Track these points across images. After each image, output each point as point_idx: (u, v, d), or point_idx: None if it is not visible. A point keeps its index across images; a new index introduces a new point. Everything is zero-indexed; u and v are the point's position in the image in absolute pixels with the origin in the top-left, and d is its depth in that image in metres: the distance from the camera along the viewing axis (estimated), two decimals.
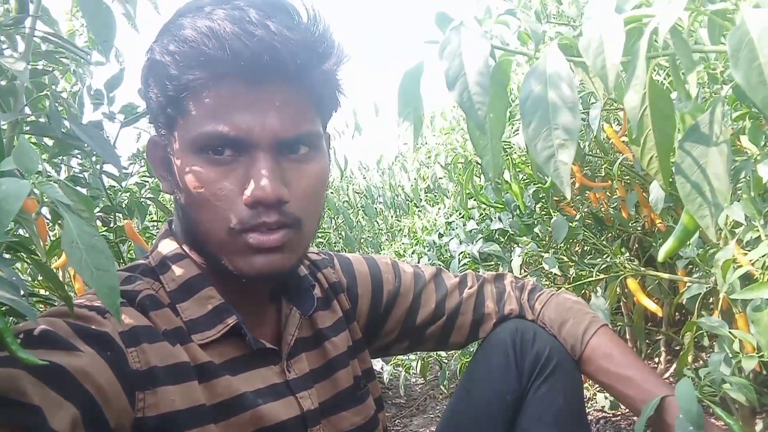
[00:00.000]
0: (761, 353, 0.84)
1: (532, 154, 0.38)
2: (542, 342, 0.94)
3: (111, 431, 0.63)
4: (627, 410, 1.72)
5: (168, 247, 0.78)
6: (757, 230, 0.80)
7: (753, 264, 0.80)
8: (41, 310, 1.01)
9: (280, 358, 0.80)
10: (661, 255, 0.57)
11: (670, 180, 0.43)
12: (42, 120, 0.89)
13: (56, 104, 0.89)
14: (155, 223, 1.68)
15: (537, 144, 0.38)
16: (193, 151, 0.70)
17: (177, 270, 0.76)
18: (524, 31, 0.41)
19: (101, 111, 1.06)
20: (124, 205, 1.16)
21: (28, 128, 0.89)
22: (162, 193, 1.46)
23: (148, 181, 1.36)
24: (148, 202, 1.27)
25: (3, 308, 0.57)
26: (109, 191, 1.11)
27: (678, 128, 0.42)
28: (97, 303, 0.68)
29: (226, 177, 0.69)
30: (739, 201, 0.83)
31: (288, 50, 0.67)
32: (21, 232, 0.94)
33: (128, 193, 1.19)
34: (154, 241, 0.84)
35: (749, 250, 0.84)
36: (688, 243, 1.09)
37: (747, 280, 0.90)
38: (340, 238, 2.91)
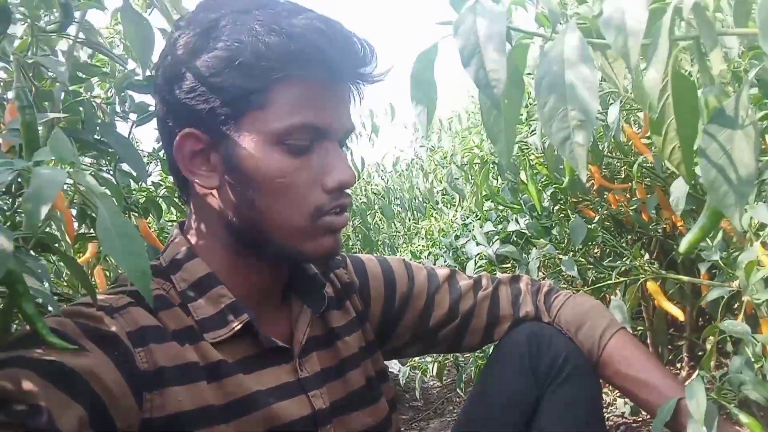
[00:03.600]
0: None
1: (547, 135, 0.36)
2: (559, 345, 0.92)
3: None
4: (648, 416, 1.69)
5: (179, 247, 0.79)
6: None
7: None
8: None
9: (292, 356, 0.80)
10: (683, 246, 0.55)
11: (693, 173, 0.41)
12: (77, 125, 0.91)
13: (91, 111, 0.91)
14: (173, 223, 1.68)
15: (552, 125, 0.36)
16: (273, 142, 0.72)
17: (188, 269, 0.77)
18: (542, 12, 0.39)
19: (114, 110, 1.07)
20: (139, 205, 1.17)
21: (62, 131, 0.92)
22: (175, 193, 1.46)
23: (165, 181, 1.37)
24: (168, 201, 1.28)
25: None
26: (123, 190, 1.12)
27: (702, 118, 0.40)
28: (106, 303, 0.68)
29: (305, 166, 0.73)
30: (764, 202, 0.80)
31: (353, 49, 0.73)
32: (48, 230, 0.96)
33: (144, 192, 1.20)
34: (165, 242, 0.84)
35: None
36: (711, 245, 1.06)
37: None
38: (357, 239, 2.90)
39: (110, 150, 0.94)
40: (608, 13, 0.35)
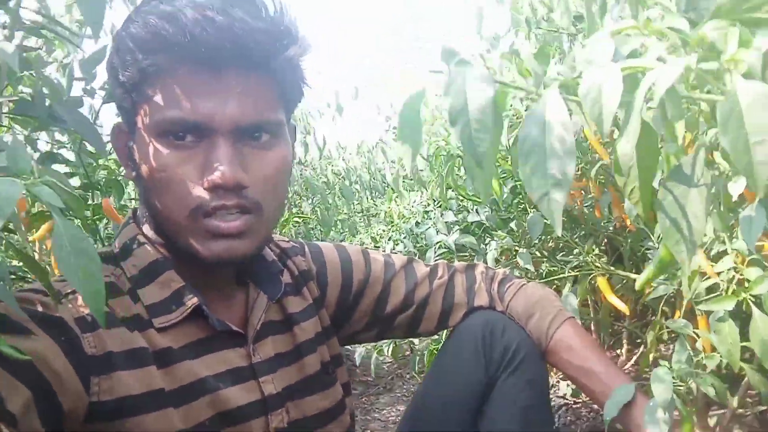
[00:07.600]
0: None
1: (527, 189, 0.40)
2: (511, 334, 0.96)
3: (63, 414, 0.63)
4: (587, 398, 1.79)
5: (130, 234, 0.79)
6: (724, 243, 0.84)
7: (719, 275, 0.84)
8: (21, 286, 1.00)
9: (246, 341, 0.81)
10: (638, 284, 0.60)
11: (648, 211, 0.45)
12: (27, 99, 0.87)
13: (40, 84, 0.88)
14: (134, 201, 1.66)
15: (532, 182, 0.40)
16: (155, 135, 0.71)
17: (138, 256, 0.77)
18: (527, 68, 0.42)
19: (82, 87, 1.04)
20: (101, 183, 1.15)
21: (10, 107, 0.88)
22: None
23: None
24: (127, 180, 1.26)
25: None
26: (87, 168, 1.10)
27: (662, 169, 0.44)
28: (55, 289, 0.68)
29: (186, 161, 0.70)
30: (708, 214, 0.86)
31: (251, 37, 0.68)
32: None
33: (106, 171, 1.18)
34: (117, 230, 0.84)
35: (717, 262, 0.87)
36: (658, 245, 1.13)
37: (712, 289, 0.93)
38: (316, 219, 2.91)
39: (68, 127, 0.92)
40: (587, 86, 0.38)
